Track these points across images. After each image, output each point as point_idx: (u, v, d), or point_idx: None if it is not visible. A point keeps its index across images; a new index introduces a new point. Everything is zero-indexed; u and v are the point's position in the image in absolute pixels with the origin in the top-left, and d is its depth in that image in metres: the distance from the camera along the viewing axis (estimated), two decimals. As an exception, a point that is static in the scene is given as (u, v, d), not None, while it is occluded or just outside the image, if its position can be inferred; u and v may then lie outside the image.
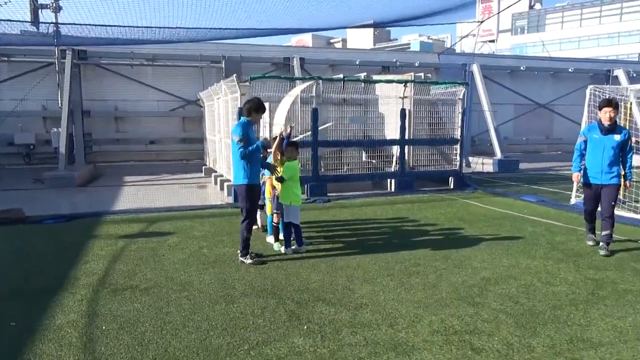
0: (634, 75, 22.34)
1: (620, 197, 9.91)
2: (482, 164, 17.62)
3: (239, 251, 5.95)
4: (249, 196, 5.80)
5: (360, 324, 4.09)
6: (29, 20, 11.38)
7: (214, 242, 6.90)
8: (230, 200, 10.37)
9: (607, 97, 6.47)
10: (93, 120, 16.80)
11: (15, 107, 15.06)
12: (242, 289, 4.95)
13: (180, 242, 6.93)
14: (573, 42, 66.22)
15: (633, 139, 18.51)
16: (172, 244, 6.79)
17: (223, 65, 17.06)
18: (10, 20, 9.28)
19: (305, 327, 4.02)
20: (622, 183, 6.21)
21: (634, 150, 6.47)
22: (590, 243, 6.50)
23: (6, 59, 15.60)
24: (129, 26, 10.14)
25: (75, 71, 15.49)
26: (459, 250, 6.37)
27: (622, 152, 6.09)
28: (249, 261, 5.77)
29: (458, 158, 12.56)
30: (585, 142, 6.28)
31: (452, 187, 12.32)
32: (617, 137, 5.98)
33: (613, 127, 5.97)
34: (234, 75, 10.57)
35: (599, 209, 6.38)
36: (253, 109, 5.80)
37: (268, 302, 4.58)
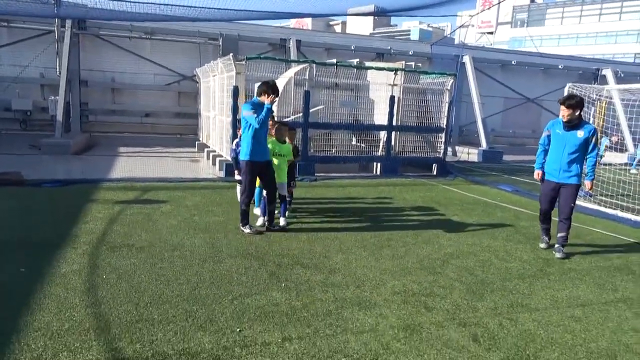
0: (622, 75, 22.91)
1: (590, 191, 10.58)
2: (468, 154, 18.21)
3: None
4: (248, 171, 6.15)
5: (332, 284, 4.64)
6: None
7: (204, 211, 7.40)
8: (222, 174, 10.85)
9: (570, 94, 6.10)
10: (90, 90, 17.08)
11: (19, 73, 15.29)
12: (229, 252, 5.48)
13: (173, 209, 7.42)
14: (571, 39, 66.60)
15: (614, 138, 18.86)
16: (165, 211, 7.28)
17: (220, 43, 17.34)
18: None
19: (283, 285, 4.57)
20: (582, 183, 5.93)
21: (599, 149, 6.45)
22: (543, 246, 6.21)
23: (6, 24, 15.75)
24: (132, 1, 10.39)
25: (74, 40, 15.70)
26: (430, 229, 6.95)
27: (585, 150, 5.76)
28: (247, 231, 6.23)
29: (442, 146, 13.12)
30: (549, 137, 5.97)
31: (435, 173, 12.90)
32: (581, 134, 5.67)
33: (577, 124, 5.68)
34: (231, 54, 10.94)
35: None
36: (264, 91, 6.03)
37: (251, 263, 5.12)
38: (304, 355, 3.31)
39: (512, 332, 3.80)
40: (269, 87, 6.03)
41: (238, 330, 3.62)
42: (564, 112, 5.65)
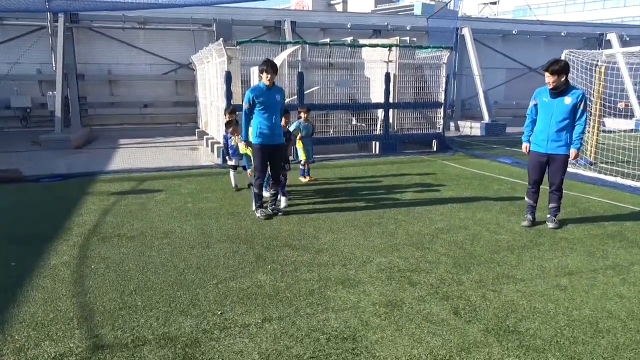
0: (627, 39, 22.31)
1: (591, 159, 10.42)
2: (470, 128, 17.99)
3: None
4: (256, 154, 6.21)
5: (318, 264, 4.65)
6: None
7: (198, 198, 7.43)
8: (219, 161, 10.86)
9: (554, 59, 5.47)
10: (87, 84, 17.11)
11: (9, 70, 15.32)
12: (219, 237, 5.51)
13: (168, 198, 7.46)
14: (578, 4, 64.88)
15: (621, 104, 18.43)
16: (159, 200, 7.33)
17: (214, 29, 17.18)
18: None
19: (269, 267, 4.59)
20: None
21: (589, 114, 6.17)
22: (525, 224, 5.85)
23: (-1, 22, 15.76)
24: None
25: (67, 34, 15.65)
26: (423, 205, 6.91)
27: (574, 118, 5.45)
28: (258, 214, 6.28)
29: (441, 121, 12.96)
30: (537, 106, 5.69)
31: (434, 149, 12.78)
32: (568, 101, 5.38)
33: (564, 90, 5.40)
34: (221, 39, 10.84)
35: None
36: (262, 70, 6.01)
37: (240, 247, 5.14)
38: (282, 334, 3.34)
39: (494, 304, 3.78)
40: (267, 65, 6.01)
41: (219, 313, 3.65)
42: (549, 79, 5.39)
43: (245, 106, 6.10)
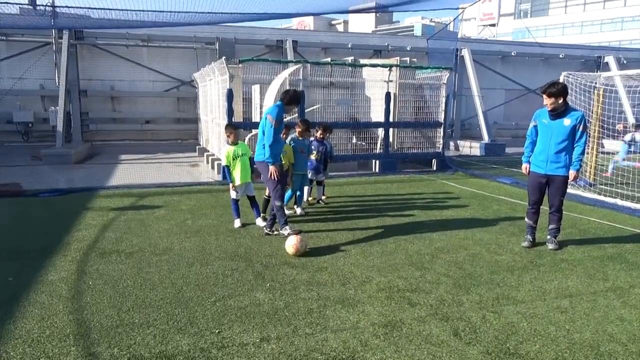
0: (625, 62, 22.60)
1: (590, 180, 10.44)
2: (470, 148, 18.10)
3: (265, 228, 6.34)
4: (277, 174, 5.91)
5: (317, 283, 4.63)
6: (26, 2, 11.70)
7: (198, 214, 7.42)
8: (219, 177, 10.88)
9: (552, 82, 5.52)
10: (90, 100, 17.24)
11: (13, 85, 15.45)
12: (218, 254, 5.48)
13: (167, 214, 7.45)
14: (576, 27, 65.86)
15: (620, 126, 18.59)
16: (159, 216, 7.32)
17: (217, 47, 17.40)
18: (7, 2, 9.63)
19: (268, 285, 4.56)
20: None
21: (589, 136, 6.21)
22: (525, 244, 5.85)
23: (4, 38, 15.94)
24: (125, 10, 10.43)
25: (72, 51, 15.85)
26: (423, 224, 6.91)
27: (574, 139, 5.48)
28: (288, 231, 5.91)
29: (441, 141, 13.03)
30: (536, 127, 5.73)
31: (434, 168, 12.82)
32: (567, 122, 5.41)
33: (563, 112, 5.43)
34: (223, 57, 10.98)
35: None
36: (292, 99, 5.93)
37: (238, 265, 5.12)
38: (280, 354, 3.30)
39: (494, 325, 3.75)
40: (293, 96, 5.93)
41: (217, 331, 3.61)
42: (547, 101, 5.44)
43: (272, 122, 5.91)
